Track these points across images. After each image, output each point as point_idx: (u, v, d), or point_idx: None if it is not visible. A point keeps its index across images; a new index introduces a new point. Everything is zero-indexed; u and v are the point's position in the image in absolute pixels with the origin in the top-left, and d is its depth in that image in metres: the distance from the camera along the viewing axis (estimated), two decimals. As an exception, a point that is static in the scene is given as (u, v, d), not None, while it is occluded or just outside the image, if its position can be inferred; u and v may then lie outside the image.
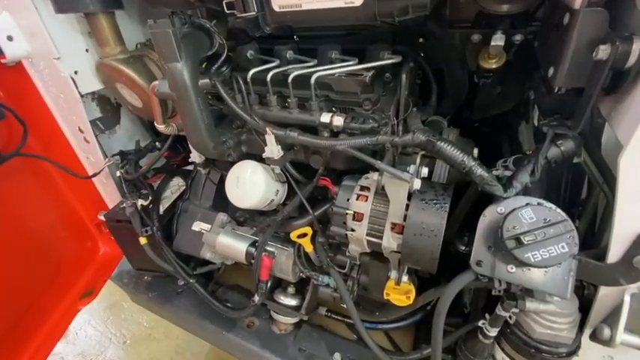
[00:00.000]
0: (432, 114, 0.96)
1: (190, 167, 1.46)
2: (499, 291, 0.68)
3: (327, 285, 0.95)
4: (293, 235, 0.91)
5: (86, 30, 1.10)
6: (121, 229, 1.30)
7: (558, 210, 0.57)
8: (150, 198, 1.21)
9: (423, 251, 0.66)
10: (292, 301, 1.21)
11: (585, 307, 0.68)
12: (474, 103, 1.06)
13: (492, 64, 0.75)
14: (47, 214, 1.39)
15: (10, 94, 1.18)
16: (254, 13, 0.73)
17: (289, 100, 0.87)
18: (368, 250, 0.79)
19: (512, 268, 0.61)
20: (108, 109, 1.35)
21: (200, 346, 2.02)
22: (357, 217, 0.74)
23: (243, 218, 1.27)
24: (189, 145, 1.07)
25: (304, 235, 0.90)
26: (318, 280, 0.97)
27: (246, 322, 1.27)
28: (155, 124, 1.03)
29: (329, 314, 1.27)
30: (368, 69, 0.82)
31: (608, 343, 0.61)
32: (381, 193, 0.73)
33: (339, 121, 0.81)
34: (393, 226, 0.70)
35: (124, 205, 1.26)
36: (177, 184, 1.42)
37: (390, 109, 0.84)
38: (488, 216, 0.64)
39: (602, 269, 0.60)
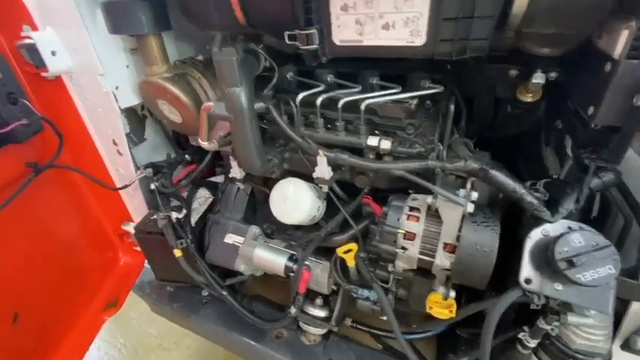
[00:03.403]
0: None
1: (214, 179, 1.50)
2: (537, 306, 0.75)
3: (367, 298, 1.00)
4: (339, 251, 0.96)
5: (128, 47, 1.13)
6: (151, 240, 1.32)
7: (601, 235, 0.64)
8: (184, 211, 1.23)
9: (476, 270, 0.72)
10: (321, 313, 1.25)
11: (616, 320, 0.75)
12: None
13: (529, 98, 0.83)
14: (73, 225, 1.40)
15: (48, 107, 1.19)
16: (316, 46, 0.79)
17: (337, 124, 0.93)
18: (415, 267, 0.85)
19: (558, 286, 0.68)
20: (134, 120, 1.37)
21: (212, 356, 2.02)
22: (409, 236, 0.80)
23: (270, 230, 1.32)
24: (231, 161, 1.11)
25: (349, 250, 0.95)
26: (357, 293, 1.01)
27: (275, 333, 1.30)
28: (199, 140, 1.06)
29: (354, 325, 1.32)
30: (412, 97, 0.89)
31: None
32: (431, 214, 0.79)
33: (386, 144, 0.87)
34: (445, 245, 0.76)
35: (156, 217, 1.28)
36: (203, 196, 1.45)
37: (431, 134, 0.91)
38: (533, 238, 0.71)
39: (636, 287, 0.68)
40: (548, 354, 0.78)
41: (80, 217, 1.42)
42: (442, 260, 0.76)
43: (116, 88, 1.13)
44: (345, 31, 0.76)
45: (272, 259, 1.12)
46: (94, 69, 1.07)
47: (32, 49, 1.05)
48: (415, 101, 0.88)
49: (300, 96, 0.94)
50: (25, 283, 1.24)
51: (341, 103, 0.90)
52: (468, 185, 0.75)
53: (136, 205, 1.43)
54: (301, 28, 0.77)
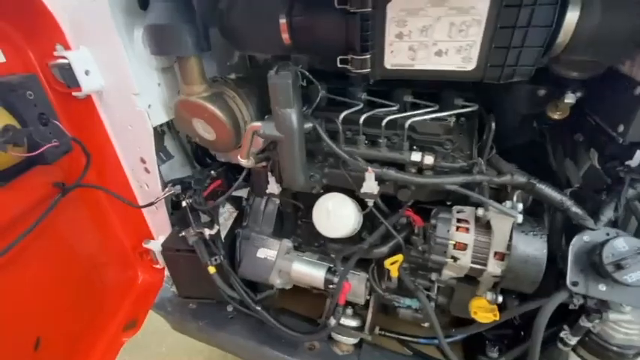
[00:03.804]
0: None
1: (237, 193, 1.51)
2: (575, 306, 0.82)
3: (409, 307, 1.05)
4: (387, 263, 1.00)
5: (160, 66, 1.13)
6: (179, 258, 1.31)
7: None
8: (216, 226, 1.23)
9: (527, 276, 0.78)
10: (353, 322, 1.28)
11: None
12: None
13: (557, 116, 0.92)
14: (94, 244, 1.36)
15: (77, 127, 1.17)
16: (368, 70, 0.84)
17: (380, 140, 0.98)
18: (462, 275, 0.90)
19: (602, 287, 0.75)
20: (155, 138, 1.36)
21: (226, 372, 1.99)
22: (459, 246, 0.85)
23: (297, 243, 1.34)
24: (269, 177, 1.13)
25: (394, 262, 0.99)
26: (399, 302, 1.06)
27: (307, 346, 1.32)
28: (239, 157, 1.08)
29: (383, 332, 1.36)
30: (450, 115, 0.95)
31: None
32: (480, 225, 0.85)
33: (429, 159, 0.93)
34: (496, 254, 0.81)
35: (184, 234, 1.27)
36: (227, 211, 1.45)
37: (467, 149, 0.97)
38: (576, 244, 0.78)
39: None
40: (588, 350, 0.85)
41: (102, 235, 1.38)
42: (494, 268, 0.81)
43: (149, 106, 1.13)
44: (398, 57, 0.82)
45: (311, 272, 1.14)
46: (130, 88, 1.07)
47: (65, 69, 1.04)
48: (453, 119, 0.95)
49: (343, 114, 0.99)
50: (48, 306, 1.20)
51: (384, 121, 0.95)
52: (514, 197, 0.82)
53: (157, 223, 1.42)
54: (356, 53, 0.82)
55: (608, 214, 0.76)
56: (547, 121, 0.95)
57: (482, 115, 1.10)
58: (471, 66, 0.78)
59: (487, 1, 0.69)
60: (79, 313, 1.32)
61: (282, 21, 0.89)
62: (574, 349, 0.88)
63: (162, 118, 1.20)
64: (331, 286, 1.12)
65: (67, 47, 1.04)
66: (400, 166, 0.98)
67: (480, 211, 0.82)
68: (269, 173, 1.12)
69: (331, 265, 1.14)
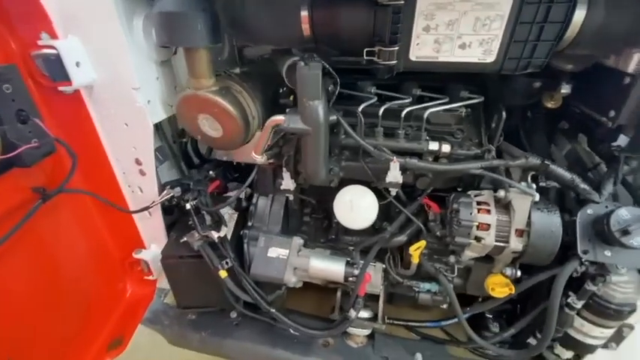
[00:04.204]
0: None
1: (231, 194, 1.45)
2: (577, 273, 0.92)
3: (429, 290, 1.09)
4: (412, 249, 1.03)
5: (159, 59, 1.06)
6: (181, 265, 1.22)
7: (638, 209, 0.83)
8: (225, 228, 1.17)
9: (546, 249, 0.87)
10: (364, 314, 1.29)
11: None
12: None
13: (552, 105, 1.02)
14: (79, 255, 1.22)
15: (62, 125, 1.04)
16: (395, 62, 0.86)
17: (399, 132, 1.01)
18: (482, 255, 0.97)
19: (608, 253, 0.85)
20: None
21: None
22: (482, 227, 0.91)
23: (303, 240, 1.33)
24: (283, 173, 1.11)
25: (418, 248, 1.03)
26: (419, 287, 1.10)
27: (322, 343, 1.31)
28: (254, 154, 1.04)
29: (391, 321, 1.39)
30: (461, 106, 1.02)
31: None
32: (500, 205, 0.91)
33: (447, 148, 0.98)
34: (516, 231, 0.89)
35: (187, 239, 1.19)
36: (227, 213, 1.39)
37: (476, 137, 1.05)
38: (582, 217, 0.88)
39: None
40: (591, 311, 0.95)
41: (88, 245, 1.24)
42: (516, 244, 0.89)
43: (148, 102, 1.04)
44: (423, 49, 0.85)
45: (330, 267, 1.14)
46: (129, 82, 0.98)
47: (50, 60, 0.92)
48: (464, 109, 1.01)
49: (362, 106, 1.00)
50: (21, 323, 1.04)
51: (404, 112, 0.99)
52: (529, 179, 0.90)
53: (151, 230, 1.31)
54: (385, 45, 0.84)
55: (608, 188, 0.87)
56: (540, 110, 1.05)
57: (487, 105, 1.19)
58: (490, 58, 0.84)
59: (510, -1, 0.76)
60: (59, 331, 1.17)
61: (304, 13, 0.89)
62: (578, 312, 0.99)
63: (160, 115, 1.11)
64: (351, 278, 1.12)
65: (53, 36, 0.92)
66: (417, 156, 1.02)
67: (502, 193, 0.89)
68: (284, 169, 1.10)
69: (348, 259, 1.15)
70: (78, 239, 1.20)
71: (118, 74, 0.98)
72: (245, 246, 1.25)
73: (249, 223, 1.30)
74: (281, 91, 1.19)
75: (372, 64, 0.89)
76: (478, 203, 0.94)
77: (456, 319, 1.34)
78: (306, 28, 0.91)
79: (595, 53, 0.86)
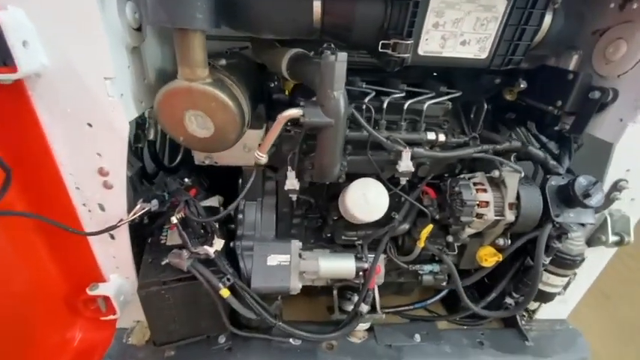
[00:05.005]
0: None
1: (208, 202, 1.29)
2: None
3: (431, 271, 1.17)
4: (424, 235, 1.08)
5: (132, 43, 0.87)
6: (165, 293, 1.02)
7: (590, 176, 1.05)
8: (221, 241, 1.03)
9: (532, 218, 1.03)
10: (364, 307, 1.30)
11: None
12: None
13: (510, 97, 1.22)
14: (12, 292, 0.90)
15: (-5, 127, 0.75)
16: (409, 54, 0.91)
17: (401, 123, 1.06)
18: (481, 230, 1.08)
19: (571, 214, 1.06)
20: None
21: None
22: (482, 205, 1.02)
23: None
24: (288, 172, 1.04)
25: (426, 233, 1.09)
26: (423, 270, 1.16)
27: (326, 347, 1.26)
28: (258, 152, 0.95)
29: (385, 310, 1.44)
30: (447, 99, 1.13)
31: (605, 244, 1.15)
32: (492, 184, 1.04)
33: (442, 137, 1.08)
34: (509, 205, 1.02)
35: (170, 260, 1.01)
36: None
37: (457, 127, 1.17)
38: (548, 187, 1.08)
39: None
40: (556, 264, 1.16)
41: (26, 280, 0.93)
42: (510, 216, 1.02)
43: (121, 95, 0.85)
44: (431, 44, 0.92)
45: (341, 264, 1.11)
46: (100, 70, 0.78)
47: (-19, 37, 0.67)
48: (449, 103, 1.13)
49: (367, 99, 1.02)
50: None
51: (406, 105, 1.05)
52: (512, 158, 1.06)
53: (112, 257, 1.06)
54: (402, 38, 0.87)
55: (566, 162, 1.08)
56: (500, 103, 1.24)
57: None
58: (484, 55, 0.95)
59: (504, 3, 0.88)
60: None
61: (317, 3, 0.86)
62: (545, 268, 1.20)
63: (132, 112, 0.92)
64: (362, 272, 1.12)
65: (-15, 4, 0.67)
66: (415, 146, 1.08)
67: (496, 172, 1.02)
68: (288, 168, 1.02)
69: (356, 254, 1.14)
70: (11, 273, 0.89)
71: (83, 59, 0.77)
72: (239, 258, 1.12)
73: (239, 232, 1.17)
74: (272, 85, 1.11)
75: (384, 57, 0.91)
76: (474, 184, 1.05)
77: (438, 297, 1.48)
78: (317, 18, 0.88)
79: (548, 53, 1.06)
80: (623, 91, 1.00)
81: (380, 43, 0.88)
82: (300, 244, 1.18)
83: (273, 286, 1.09)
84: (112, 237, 1.02)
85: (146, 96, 0.99)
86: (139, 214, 0.98)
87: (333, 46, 0.87)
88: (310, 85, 0.92)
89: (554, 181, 1.08)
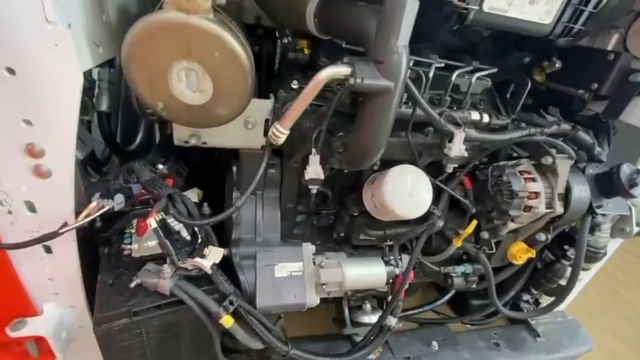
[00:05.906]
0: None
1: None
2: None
3: (464, 273, 1.02)
4: (467, 233, 0.91)
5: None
6: (134, 328, 0.71)
7: (630, 164, 0.97)
8: (220, 250, 0.75)
9: (581, 209, 0.92)
10: (373, 317, 1.12)
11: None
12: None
13: (539, 78, 1.11)
14: None
15: None
16: (477, 6, 0.72)
17: (447, 98, 0.88)
18: (525, 224, 0.95)
19: (609, 204, 0.99)
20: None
21: None
22: (531, 196, 0.89)
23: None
24: (311, 157, 0.78)
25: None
26: (455, 273, 1.01)
27: (338, 368, 1.05)
28: (280, 127, 0.69)
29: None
30: (487, 75, 0.97)
31: (628, 235, 1.11)
32: (541, 172, 0.91)
33: (486, 118, 0.92)
34: (558, 195, 0.90)
35: (146, 279, 0.71)
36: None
37: (493, 107, 1.03)
38: (587, 177, 0.99)
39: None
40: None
41: None
42: (559, 209, 0.91)
43: (68, 26, 0.52)
44: (498, 0, 0.74)
45: (370, 271, 0.90)
46: None
47: None
48: (489, 80, 0.97)
49: (408, 72, 0.81)
50: None
51: (453, 77, 0.86)
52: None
53: (45, 279, 0.71)
54: (474, -16, 0.68)
55: (606, 149, 1.00)
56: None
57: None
58: (549, 19, 0.80)
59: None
60: None
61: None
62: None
63: (87, 59, 0.59)
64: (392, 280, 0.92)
65: None
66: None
67: (549, 159, 0.89)
68: (312, 150, 0.77)
69: (382, 257, 0.94)
70: None
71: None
72: (238, 270, 0.84)
73: (235, 236, 0.89)
74: (286, 40, 0.84)
75: (447, 7, 0.72)
76: (520, 173, 0.91)
77: (446, 297, 1.36)
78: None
79: (595, 29, 0.96)
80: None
81: (451, -12, 0.68)
82: (313, 247, 0.94)
83: (285, 303, 0.84)
84: (48, 250, 0.68)
85: (104, 40, 0.66)
86: (95, 215, 0.66)
87: None
88: (354, 38, 0.68)
89: (591, 170, 1.00)
